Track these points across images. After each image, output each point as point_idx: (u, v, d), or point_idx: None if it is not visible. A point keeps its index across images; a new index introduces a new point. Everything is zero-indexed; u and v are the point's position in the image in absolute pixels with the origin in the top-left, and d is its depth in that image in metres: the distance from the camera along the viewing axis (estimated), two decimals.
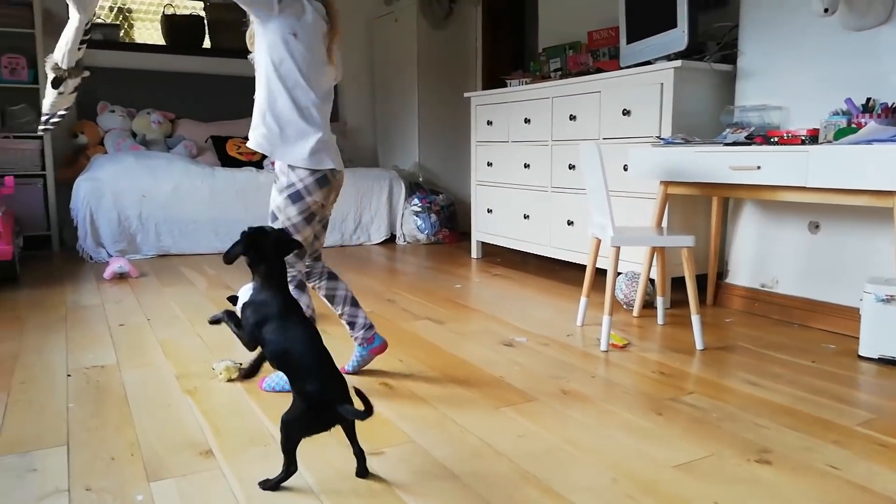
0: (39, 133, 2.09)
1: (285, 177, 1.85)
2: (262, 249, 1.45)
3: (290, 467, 1.37)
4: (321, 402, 1.34)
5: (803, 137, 2.32)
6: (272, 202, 1.88)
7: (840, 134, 2.27)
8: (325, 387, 1.34)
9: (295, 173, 1.83)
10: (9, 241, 3.20)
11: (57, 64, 1.83)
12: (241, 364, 2.03)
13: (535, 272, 3.86)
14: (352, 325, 2.04)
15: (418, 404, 1.85)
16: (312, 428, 1.37)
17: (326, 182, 1.86)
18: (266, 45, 1.79)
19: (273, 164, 1.93)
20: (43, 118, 1.95)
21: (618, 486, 1.41)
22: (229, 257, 1.44)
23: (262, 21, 1.77)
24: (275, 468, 1.45)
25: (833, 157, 2.13)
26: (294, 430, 1.35)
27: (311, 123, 1.83)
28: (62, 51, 1.81)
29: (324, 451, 1.54)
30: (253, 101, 1.89)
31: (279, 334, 1.39)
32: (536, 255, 3.91)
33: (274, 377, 1.94)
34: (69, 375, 2.05)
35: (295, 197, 1.84)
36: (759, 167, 2.31)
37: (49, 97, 1.89)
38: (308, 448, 1.50)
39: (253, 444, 1.58)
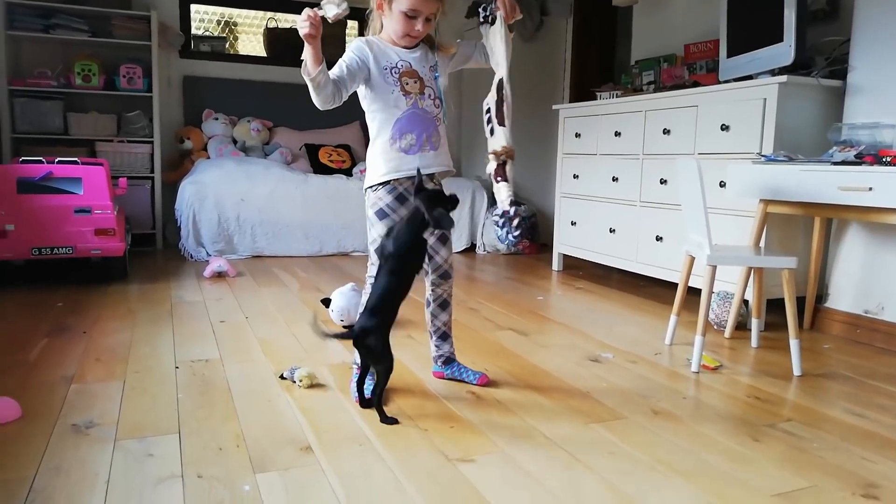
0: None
1: None
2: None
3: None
4: None
5: None
6: None
7: None
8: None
9: None
10: (122, 238, 3.45)
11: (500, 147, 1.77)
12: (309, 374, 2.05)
13: (618, 287, 3.80)
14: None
15: (506, 415, 1.87)
16: None
17: None
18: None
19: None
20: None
21: None
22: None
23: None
24: (372, 465, 1.51)
25: None
26: None
27: None
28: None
29: (422, 455, 1.59)
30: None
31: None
32: (620, 269, 3.85)
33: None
34: (177, 367, 2.19)
35: None
36: (870, 188, 2.21)
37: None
38: (407, 458, 1.55)
39: (349, 442, 1.65)
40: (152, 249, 4.70)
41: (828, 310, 2.90)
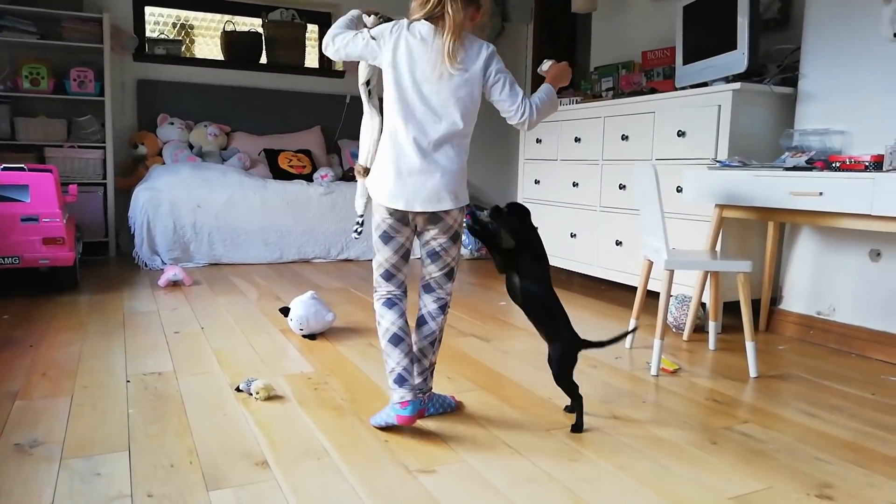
0: (354, 237, 2.18)
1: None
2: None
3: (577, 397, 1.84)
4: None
5: (867, 163, 2.26)
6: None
7: None
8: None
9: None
10: (71, 247, 3.33)
11: (364, 167, 1.94)
12: (266, 385, 1.99)
13: (580, 291, 3.83)
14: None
15: (468, 423, 1.85)
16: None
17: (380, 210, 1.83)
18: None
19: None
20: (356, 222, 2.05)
21: None
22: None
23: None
24: (330, 480, 1.47)
25: None
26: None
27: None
28: (365, 153, 1.94)
29: (382, 468, 1.56)
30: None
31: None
32: (581, 273, 3.88)
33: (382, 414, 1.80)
34: (128, 381, 2.12)
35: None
36: (821, 193, 2.26)
37: (361, 199, 1.99)
38: (366, 471, 1.52)
39: (307, 457, 1.61)
40: (105, 258, 4.56)
41: (782, 311, 2.96)
